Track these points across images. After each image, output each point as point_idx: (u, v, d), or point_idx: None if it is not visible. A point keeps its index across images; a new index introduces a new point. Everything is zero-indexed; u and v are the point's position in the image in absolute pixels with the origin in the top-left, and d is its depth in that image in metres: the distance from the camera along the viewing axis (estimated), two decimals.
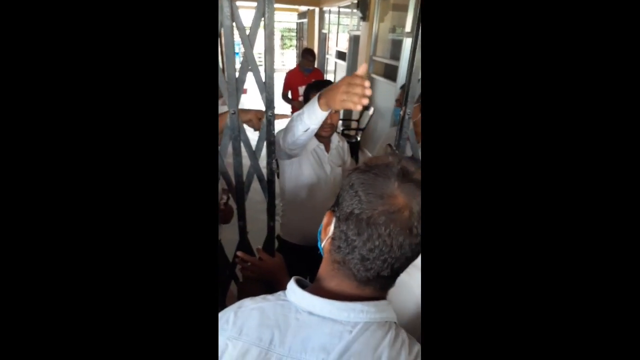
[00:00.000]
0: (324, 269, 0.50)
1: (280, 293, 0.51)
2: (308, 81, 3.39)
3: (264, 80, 0.72)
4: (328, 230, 0.49)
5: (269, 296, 0.51)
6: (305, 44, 7.94)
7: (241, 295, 0.91)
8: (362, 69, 0.69)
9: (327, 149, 1.31)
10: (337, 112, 1.22)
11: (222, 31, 0.67)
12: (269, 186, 0.85)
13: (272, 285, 0.88)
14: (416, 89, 0.85)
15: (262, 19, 0.67)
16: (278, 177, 1.31)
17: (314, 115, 0.83)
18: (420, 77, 0.85)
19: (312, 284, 0.51)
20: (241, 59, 0.71)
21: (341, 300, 0.45)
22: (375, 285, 0.47)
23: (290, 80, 3.40)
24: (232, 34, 0.67)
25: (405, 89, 0.90)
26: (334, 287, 0.47)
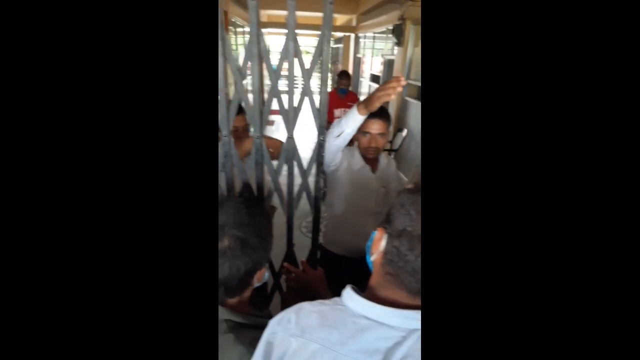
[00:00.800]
0: (377, 280, 0.55)
1: (336, 299, 0.56)
2: (344, 103, 3.51)
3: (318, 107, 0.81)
4: (379, 245, 0.54)
5: (326, 301, 0.56)
6: (340, 67, 8.19)
7: (284, 305, 0.97)
8: (398, 74, 0.78)
9: (374, 170, 1.38)
10: (383, 136, 1.29)
11: (285, 65, 0.78)
12: (315, 202, 0.93)
13: (312, 297, 0.93)
14: None
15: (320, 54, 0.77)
16: (324, 195, 1.38)
17: (351, 119, 0.94)
18: None
19: (365, 292, 0.56)
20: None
21: (394, 308, 0.49)
22: None
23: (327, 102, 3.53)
24: (293, 70, 0.77)
25: None
26: (387, 296, 0.52)
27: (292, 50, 0.74)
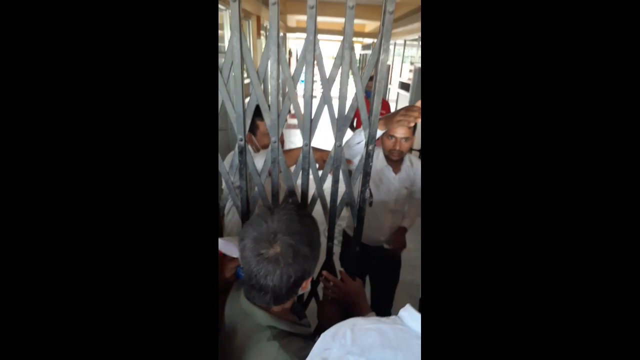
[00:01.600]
0: None
1: (395, 318, 0.54)
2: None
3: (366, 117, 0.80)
4: None
5: (384, 319, 0.54)
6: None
7: (320, 314, 0.96)
8: (419, 103, 0.85)
9: (396, 170, 1.48)
10: (407, 140, 1.38)
11: (338, 74, 0.77)
12: (358, 213, 0.91)
13: (349, 307, 0.92)
14: None
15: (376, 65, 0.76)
16: (370, 205, 1.40)
17: None
18: None
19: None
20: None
21: None
22: None
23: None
24: (347, 79, 0.76)
25: None
26: None
27: (347, 59, 0.73)
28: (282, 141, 1.43)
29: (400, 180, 1.47)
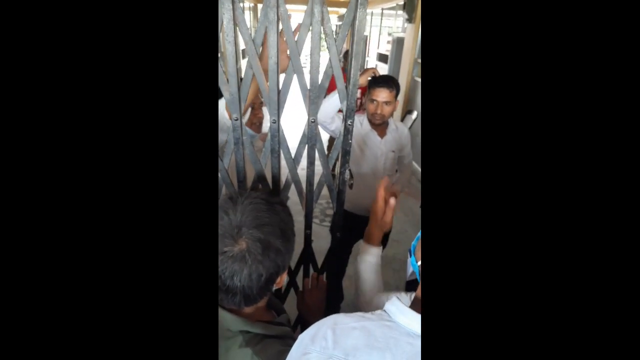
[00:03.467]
0: None
1: (381, 313, 0.48)
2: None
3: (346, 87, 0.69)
4: None
5: (368, 314, 0.48)
6: (345, 46, 7.93)
7: (300, 305, 0.89)
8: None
9: (381, 134, 1.46)
10: (389, 104, 1.36)
11: (317, 38, 0.65)
12: (338, 196, 0.82)
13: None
14: None
15: (352, 26, 0.64)
16: (351, 187, 1.36)
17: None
18: None
19: (413, 305, 0.48)
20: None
21: None
22: None
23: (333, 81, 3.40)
24: (320, 40, 0.64)
25: None
26: None
27: (318, 16, 0.61)
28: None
29: (387, 143, 1.46)
